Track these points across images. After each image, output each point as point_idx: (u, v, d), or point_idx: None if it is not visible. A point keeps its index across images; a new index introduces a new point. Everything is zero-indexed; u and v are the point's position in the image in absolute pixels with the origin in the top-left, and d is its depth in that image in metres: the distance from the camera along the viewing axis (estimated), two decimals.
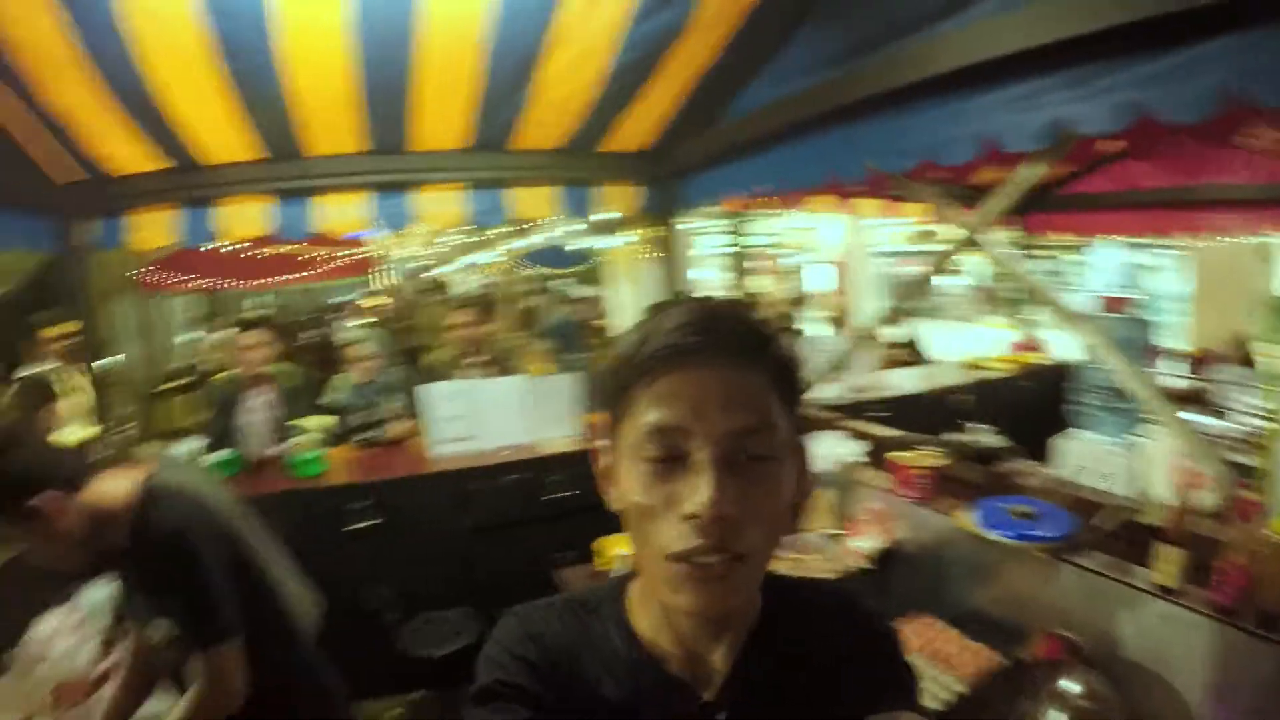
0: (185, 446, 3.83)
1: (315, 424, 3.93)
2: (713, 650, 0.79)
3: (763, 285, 8.60)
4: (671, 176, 3.90)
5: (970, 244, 2.65)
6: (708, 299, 0.78)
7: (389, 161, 3.59)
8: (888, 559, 2.52)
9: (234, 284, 9.93)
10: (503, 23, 2.60)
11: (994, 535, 2.08)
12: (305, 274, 9.77)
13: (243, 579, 1.82)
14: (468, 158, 3.62)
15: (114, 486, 1.77)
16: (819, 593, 0.89)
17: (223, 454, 3.72)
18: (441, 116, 3.23)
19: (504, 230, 7.30)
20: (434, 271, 12.60)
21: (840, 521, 2.77)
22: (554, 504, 3.54)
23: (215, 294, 11.12)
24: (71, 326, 4.55)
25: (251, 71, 2.72)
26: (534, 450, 3.75)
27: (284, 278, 9.86)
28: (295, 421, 3.95)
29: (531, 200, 3.83)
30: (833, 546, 2.66)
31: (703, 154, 3.49)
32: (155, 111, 2.92)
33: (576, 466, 3.57)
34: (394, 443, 4.14)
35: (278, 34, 2.55)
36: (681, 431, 0.69)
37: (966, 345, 5.77)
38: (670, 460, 0.69)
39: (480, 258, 11.06)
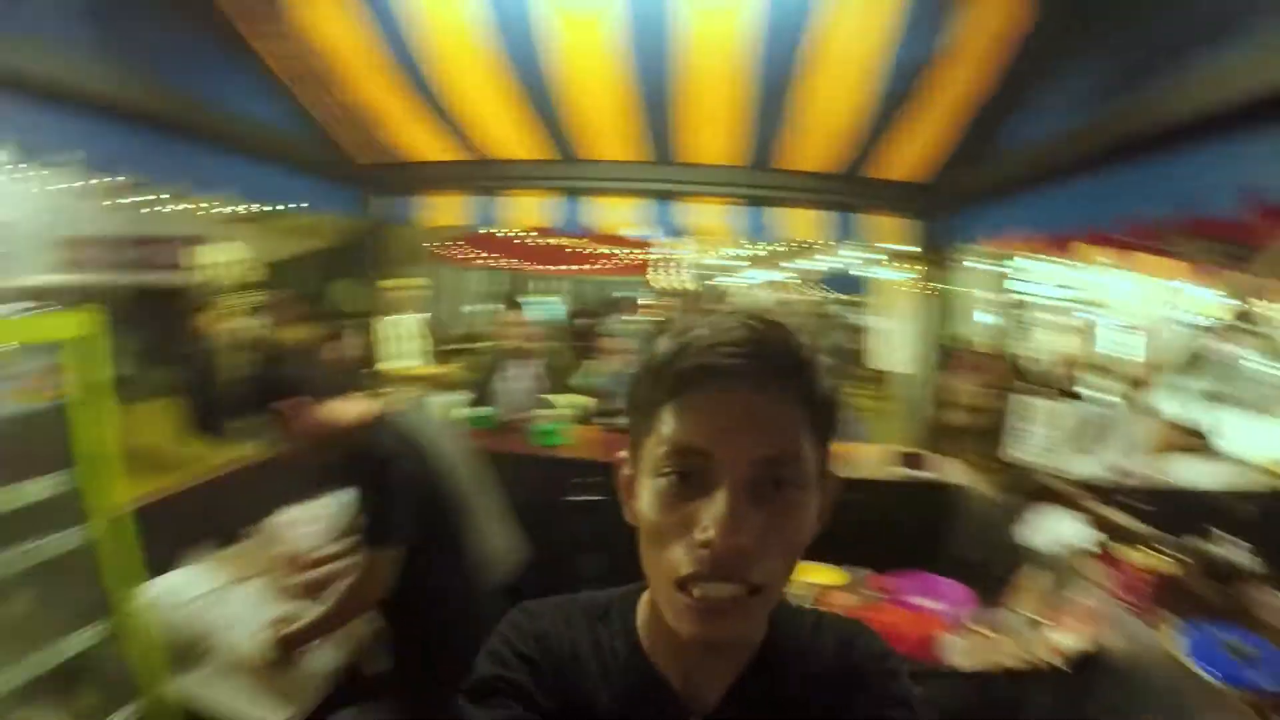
0: (447, 398, 4.38)
1: (566, 401, 4.33)
2: (713, 671, 0.79)
3: (1048, 339, 7.84)
4: (942, 211, 3.76)
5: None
6: (749, 314, 0.72)
7: (659, 171, 3.85)
8: (1085, 664, 2.24)
9: (527, 267, 11.12)
10: (763, 43, 2.70)
11: (1197, 667, 1.80)
12: (591, 267, 10.64)
13: (430, 510, 2.13)
14: (734, 173, 3.77)
15: (351, 408, 2.17)
16: (826, 623, 0.88)
17: (481, 410, 4.20)
18: (708, 131, 3.41)
19: (790, 249, 7.36)
20: (720, 281, 12.99)
21: (1046, 609, 2.53)
22: None
23: (514, 274, 12.49)
24: (412, 282, 5.41)
25: (532, 82, 3.10)
26: None
27: (572, 268, 10.88)
28: (549, 396, 4.38)
29: (797, 221, 3.89)
30: (1029, 634, 2.43)
31: (970, 189, 3.34)
32: (449, 111, 3.41)
33: None
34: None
35: (553, 50, 2.89)
36: (704, 454, 0.66)
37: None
38: (690, 481, 0.67)
39: (768, 274, 11.23)
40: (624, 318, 9.22)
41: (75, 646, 2.00)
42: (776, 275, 10.97)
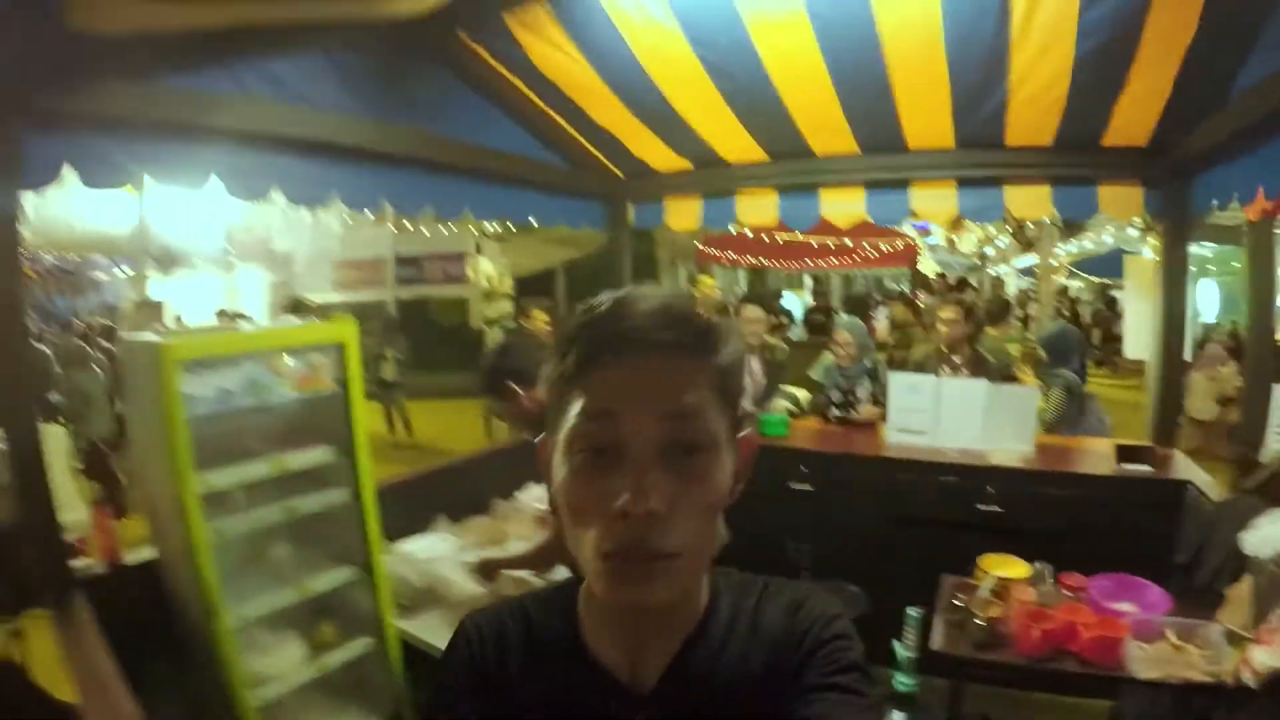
0: None
1: (796, 393, 4.37)
2: (651, 647, 0.78)
3: None
4: (1177, 175, 3.29)
5: None
6: (649, 293, 0.74)
7: (881, 160, 3.77)
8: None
9: (779, 264, 11.09)
10: (960, 22, 2.58)
11: None
12: (840, 261, 10.40)
13: None
14: (956, 155, 3.59)
15: None
16: (773, 591, 0.84)
17: (774, 416, 4.26)
18: (924, 116, 3.28)
19: (1047, 233, 6.78)
20: (984, 270, 12.23)
21: (1252, 622, 2.15)
22: (983, 516, 3.34)
23: (759, 270, 12.60)
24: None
25: (743, 89, 3.21)
26: (980, 458, 3.57)
27: (820, 263, 10.69)
28: (785, 386, 4.48)
29: (1026, 198, 3.61)
30: (1226, 649, 2.10)
31: (1206, 146, 2.88)
32: (677, 124, 3.62)
33: (1015, 485, 3.34)
34: (860, 423, 4.34)
35: (758, 57, 2.96)
36: (610, 416, 0.68)
37: None
38: (603, 457, 0.68)
39: (1025, 259, 10.42)
40: (882, 312, 8.98)
41: (322, 586, 2.52)
42: (1032, 260, 10.07)
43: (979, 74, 2.87)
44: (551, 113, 3.71)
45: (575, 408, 0.69)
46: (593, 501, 0.68)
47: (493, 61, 3.31)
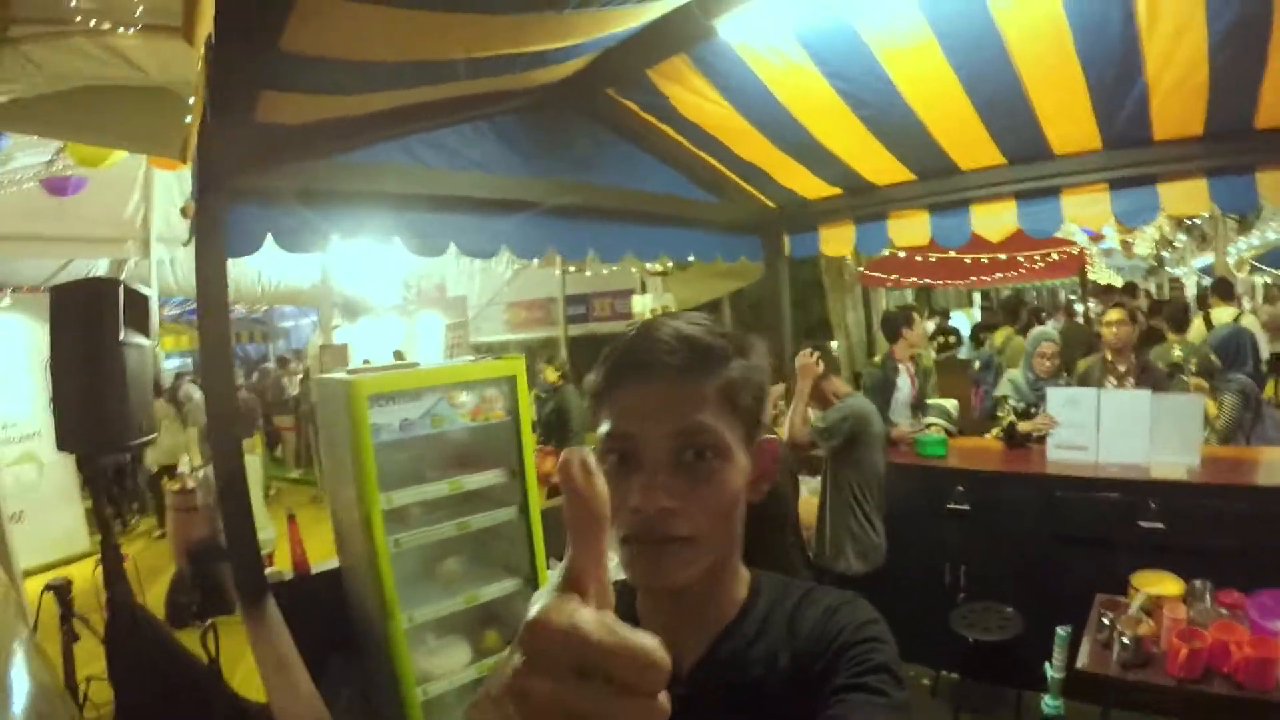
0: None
1: (945, 405, 4.40)
2: (688, 637, 0.85)
3: None
4: None
5: None
6: (669, 320, 0.84)
7: (1028, 170, 3.68)
8: None
9: (940, 283, 10.72)
10: (1086, 20, 2.53)
11: None
12: (1013, 274, 9.95)
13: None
14: (1105, 156, 3.45)
15: None
16: (815, 595, 0.90)
17: (932, 437, 4.19)
18: (1066, 120, 3.20)
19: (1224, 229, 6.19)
20: (1162, 272, 11.33)
21: None
22: (1145, 534, 3.14)
23: (931, 290, 12.17)
24: None
25: (881, 114, 3.27)
26: (1142, 472, 3.36)
27: (985, 278, 10.26)
28: (933, 400, 4.46)
29: (1181, 194, 3.40)
30: None
31: None
32: (822, 153, 3.73)
33: (1180, 500, 3.14)
34: (1025, 438, 4.19)
35: (892, 83, 3.02)
36: (627, 435, 0.78)
37: None
38: (626, 461, 0.78)
39: (1203, 259, 9.56)
40: (1052, 323, 8.49)
41: (489, 595, 2.79)
42: (1209, 259, 9.20)
43: (1113, 70, 2.78)
44: (701, 153, 3.90)
45: (604, 427, 0.81)
46: (618, 499, 0.75)
47: (641, 112, 3.55)
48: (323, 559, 2.96)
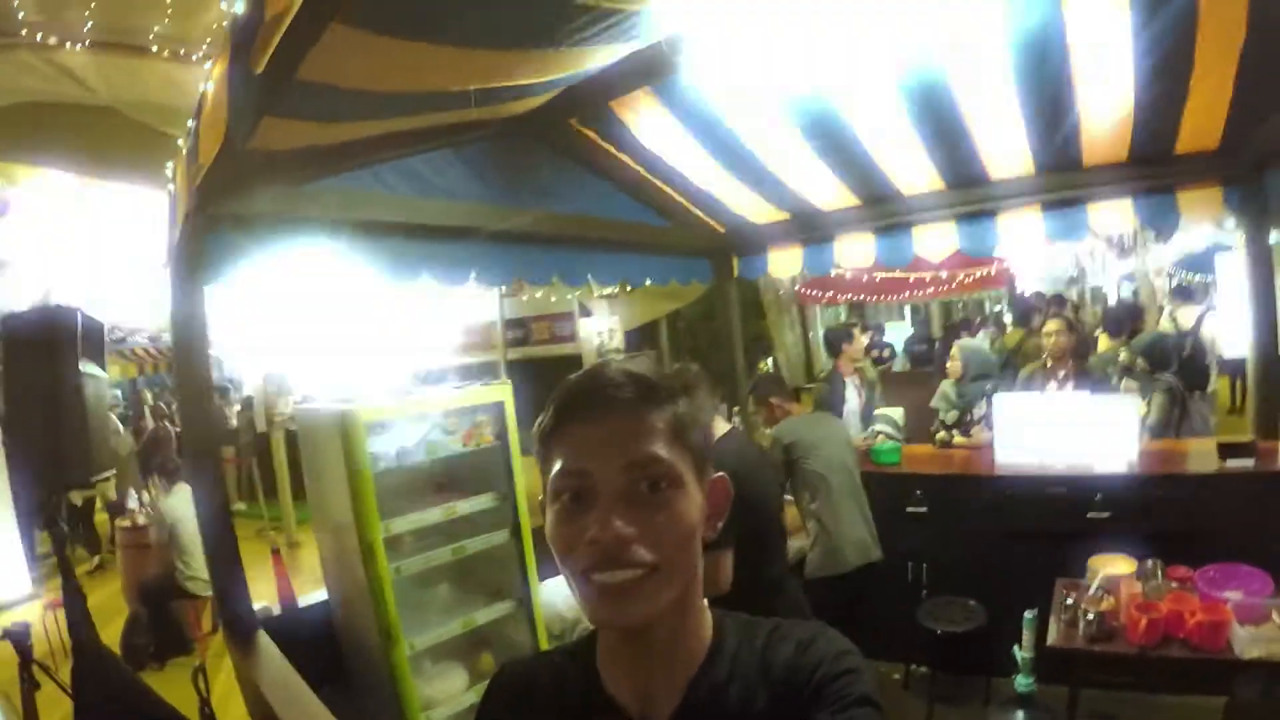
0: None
1: (891, 414, 4.59)
2: (658, 684, 0.84)
3: None
4: (1253, 174, 3.38)
5: None
6: (617, 362, 0.87)
7: (966, 194, 3.93)
8: None
9: (875, 299, 11.23)
10: (1027, 58, 2.74)
11: None
12: (935, 290, 10.51)
13: (747, 517, 2.53)
14: (1037, 180, 3.73)
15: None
16: (784, 630, 0.89)
17: (887, 445, 4.40)
18: (1001, 147, 3.46)
19: (1139, 242, 6.70)
20: (1084, 281, 12.07)
21: None
22: (1093, 523, 3.39)
23: (864, 305, 12.72)
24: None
25: (831, 142, 3.45)
26: (1086, 467, 3.63)
27: (917, 293, 10.83)
28: (879, 410, 4.65)
29: (1108, 214, 3.72)
30: None
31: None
32: (773, 180, 3.90)
33: (1122, 491, 3.41)
34: (972, 446, 4.42)
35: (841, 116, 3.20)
36: (582, 472, 0.78)
37: None
38: (580, 499, 0.78)
39: (1122, 268, 10.30)
40: (978, 335, 8.94)
41: (483, 619, 2.81)
42: (1129, 268, 10.00)
43: (1050, 104, 3.03)
44: (655, 179, 4.02)
45: (556, 465, 0.81)
46: (575, 536, 0.77)
47: (600, 141, 3.66)
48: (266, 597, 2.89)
